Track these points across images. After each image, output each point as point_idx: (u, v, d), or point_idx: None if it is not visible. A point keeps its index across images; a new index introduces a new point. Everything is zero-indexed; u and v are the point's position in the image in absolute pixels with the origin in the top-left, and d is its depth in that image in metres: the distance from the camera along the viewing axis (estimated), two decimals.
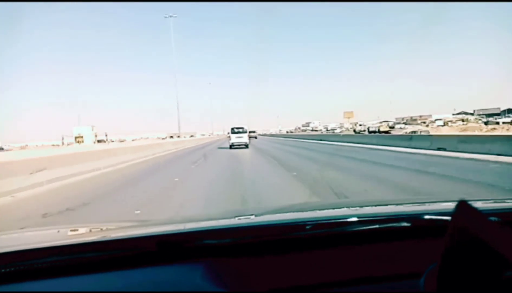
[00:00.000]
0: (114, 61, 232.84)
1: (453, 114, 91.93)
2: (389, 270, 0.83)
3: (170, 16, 49.50)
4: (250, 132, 31.22)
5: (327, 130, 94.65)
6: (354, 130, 67.35)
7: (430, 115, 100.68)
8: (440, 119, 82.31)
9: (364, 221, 1.00)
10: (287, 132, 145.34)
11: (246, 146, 26.00)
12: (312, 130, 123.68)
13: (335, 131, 76.92)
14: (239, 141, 26.17)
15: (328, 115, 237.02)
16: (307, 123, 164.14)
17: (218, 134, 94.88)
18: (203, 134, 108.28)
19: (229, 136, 27.00)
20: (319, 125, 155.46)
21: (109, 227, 1.45)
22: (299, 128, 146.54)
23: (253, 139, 37.28)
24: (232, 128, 27.16)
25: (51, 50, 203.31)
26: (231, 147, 25.84)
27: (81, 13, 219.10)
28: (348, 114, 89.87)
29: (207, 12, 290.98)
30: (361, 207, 1.50)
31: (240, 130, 26.92)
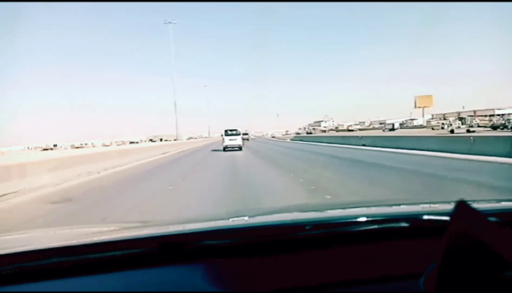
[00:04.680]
0: (104, 63, 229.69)
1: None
2: (388, 270, 0.84)
3: (170, 22, 47.22)
4: (243, 134, 30.35)
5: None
6: None
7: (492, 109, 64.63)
8: None
9: (364, 221, 1.00)
10: (297, 134, 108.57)
11: (240, 148, 25.93)
12: (337, 130, 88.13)
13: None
14: (233, 143, 26.17)
15: (336, 114, 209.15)
16: (316, 122, 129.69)
17: (200, 138, 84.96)
18: (191, 138, 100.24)
19: (223, 139, 26.98)
20: (333, 124, 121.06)
21: (110, 228, 1.45)
22: (311, 128, 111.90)
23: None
24: (226, 131, 27.14)
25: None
26: (225, 149, 25.86)
27: (76, 15, 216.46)
28: (424, 101, 55.05)
29: (202, 12, 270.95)
30: (360, 207, 1.50)
31: (234, 132, 26.86)
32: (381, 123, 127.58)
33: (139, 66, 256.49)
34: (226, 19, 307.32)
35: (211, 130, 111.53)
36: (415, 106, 59.51)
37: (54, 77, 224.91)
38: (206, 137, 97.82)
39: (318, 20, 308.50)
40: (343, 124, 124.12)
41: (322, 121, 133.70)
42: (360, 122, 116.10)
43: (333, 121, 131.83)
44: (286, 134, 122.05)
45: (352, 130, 79.23)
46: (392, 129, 66.33)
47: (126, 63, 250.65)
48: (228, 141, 26.15)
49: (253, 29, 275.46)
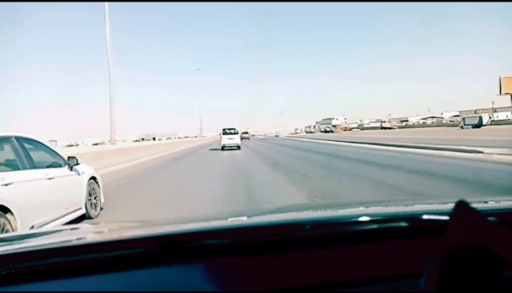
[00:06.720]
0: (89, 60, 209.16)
1: None
2: (389, 270, 0.83)
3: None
4: (242, 133, 30.61)
5: None
6: None
7: None
8: None
9: (364, 221, 1.00)
10: (308, 132, 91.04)
11: (238, 147, 25.72)
12: (362, 128, 72.24)
13: None
14: (231, 142, 26.08)
15: (340, 111, 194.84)
16: (325, 119, 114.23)
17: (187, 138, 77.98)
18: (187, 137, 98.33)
19: (221, 138, 27.18)
20: (345, 121, 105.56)
21: (110, 228, 1.45)
22: (332, 126, 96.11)
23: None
24: (224, 130, 27.23)
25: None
26: (223, 148, 25.81)
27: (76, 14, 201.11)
28: None
29: (203, 8, 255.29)
30: (360, 207, 1.51)
31: (232, 131, 26.77)
32: (402, 121, 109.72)
33: (138, 65, 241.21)
34: (226, 16, 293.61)
35: (209, 129, 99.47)
36: (500, 93, 44.07)
37: (42, 74, 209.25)
38: (196, 137, 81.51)
39: (316, 18, 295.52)
40: (362, 121, 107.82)
41: (332, 118, 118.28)
42: (377, 119, 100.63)
43: (345, 118, 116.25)
44: (296, 133, 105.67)
45: (389, 128, 62.69)
46: (478, 125, 43.67)
47: (124, 63, 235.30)
48: (226, 140, 26.30)
49: (254, 27, 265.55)
